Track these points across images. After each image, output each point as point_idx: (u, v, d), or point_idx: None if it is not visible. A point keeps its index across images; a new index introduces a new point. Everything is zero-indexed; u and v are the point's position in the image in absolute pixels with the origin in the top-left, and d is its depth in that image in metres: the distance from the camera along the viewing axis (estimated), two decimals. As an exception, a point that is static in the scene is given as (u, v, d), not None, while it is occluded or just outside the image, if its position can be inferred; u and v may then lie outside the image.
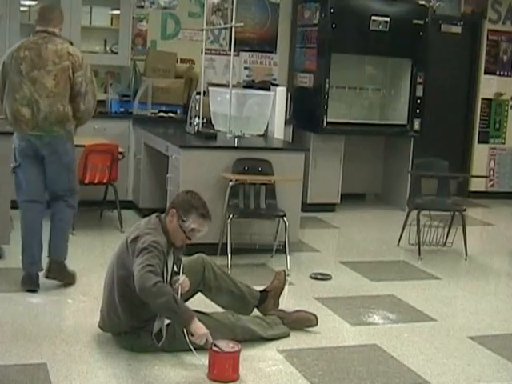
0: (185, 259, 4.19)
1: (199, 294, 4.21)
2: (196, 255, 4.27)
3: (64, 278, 4.91)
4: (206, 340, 3.59)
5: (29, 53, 4.70)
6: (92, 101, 4.83)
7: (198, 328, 3.59)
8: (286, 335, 4.19)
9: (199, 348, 3.70)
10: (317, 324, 4.33)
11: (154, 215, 3.93)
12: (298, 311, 4.38)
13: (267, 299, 4.35)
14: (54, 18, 4.83)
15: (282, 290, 4.46)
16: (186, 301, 4.06)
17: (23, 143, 4.80)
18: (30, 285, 4.77)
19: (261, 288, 4.42)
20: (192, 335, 3.60)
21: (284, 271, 4.58)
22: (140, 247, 3.68)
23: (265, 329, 4.12)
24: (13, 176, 5.02)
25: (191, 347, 3.70)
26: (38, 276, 4.82)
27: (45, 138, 4.73)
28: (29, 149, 4.79)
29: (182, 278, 3.89)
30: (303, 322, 4.32)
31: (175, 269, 3.92)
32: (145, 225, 3.86)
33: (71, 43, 4.97)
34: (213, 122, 6.80)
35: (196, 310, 4.00)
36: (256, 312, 4.34)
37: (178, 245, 3.87)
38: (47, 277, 4.85)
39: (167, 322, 3.77)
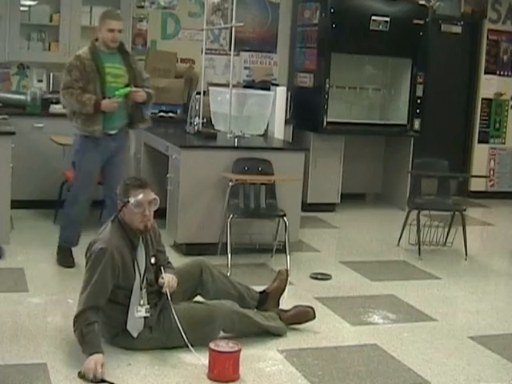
0: (182, 263, 4.21)
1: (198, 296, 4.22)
2: (193, 258, 4.31)
3: None
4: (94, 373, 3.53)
5: None
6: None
7: (89, 362, 3.52)
8: (284, 331, 4.20)
9: (198, 347, 3.72)
10: (315, 317, 4.32)
11: (109, 220, 3.97)
12: (294, 307, 4.37)
13: (267, 301, 4.34)
14: None
15: (283, 291, 4.45)
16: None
17: None
18: None
19: (261, 288, 4.41)
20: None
21: (286, 270, 4.57)
22: (88, 260, 3.79)
23: (262, 320, 4.14)
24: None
25: (188, 344, 3.72)
26: None
27: None
28: None
29: (166, 278, 3.87)
30: (301, 316, 4.31)
31: (152, 261, 3.91)
32: (103, 228, 3.93)
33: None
34: (213, 122, 6.79)
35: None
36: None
37: (141, 228, 3.84)
38: None
39: (143, 315, 3.80)
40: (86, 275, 3.76)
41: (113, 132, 5.29)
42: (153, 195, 3.88)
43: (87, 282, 3.72)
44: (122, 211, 3.87)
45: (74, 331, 3.68)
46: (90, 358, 3.54)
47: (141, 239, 3.89)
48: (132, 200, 3.80)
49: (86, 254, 3.86)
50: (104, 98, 5.12)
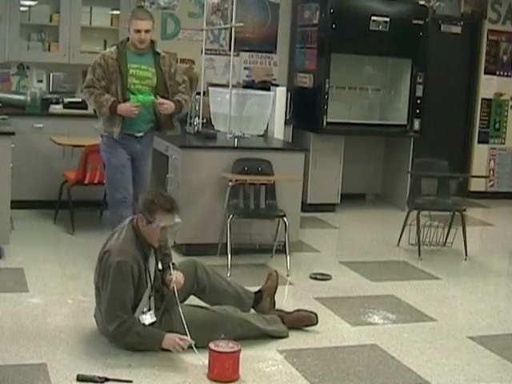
0: (176, 263, 4.22)
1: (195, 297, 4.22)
2: (187, 258, 4.35)
3: None
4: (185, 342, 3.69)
5: None
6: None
7: (169, 343, 3.69)
8: (285, 334, 4.18)
9: (198, 347, 3.71)
10: (317, 322, 4.33)
11: (128, 220, 3.93)
12: (297, 310, 4.38)
13: (263, 298, 4.35)
14: None
15: (276, 288, 4.45)
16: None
17: None
18: None
19: (257, 289, 4.42)
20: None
21: (276, 271, 4.57)
22: (106, 272, 3.74)
23: (264, 324, 4.13)
24: None
25: (190, 340, 3.72)
26: None
27: None
28: None
29: (174, 275, 3.92)
30: (304, 320, 4.32)
31: (159, 267, 3.94)
32: (118, 234, 3.87)
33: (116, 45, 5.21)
34: (213, 122, 6.80)
35: (191, 305, 4.07)
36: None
37: (156, 245, 3.87)
38: None
39: (150, 321, 3.82)
40: (109, 289, 3.72)
41: (139, 134, 5.14)
42: (177, 219, 3.84)
43: (112, 296, 3.71)
44: (139, 222, 3.83)
45: (124, 342, 3.74)
46: (165, 340, 3.69)
47: (152, 250, 3.90)
48: (157, 223, 3.76)
49: (99, 260, 3.84)
50: (125, 99, 4.98)
